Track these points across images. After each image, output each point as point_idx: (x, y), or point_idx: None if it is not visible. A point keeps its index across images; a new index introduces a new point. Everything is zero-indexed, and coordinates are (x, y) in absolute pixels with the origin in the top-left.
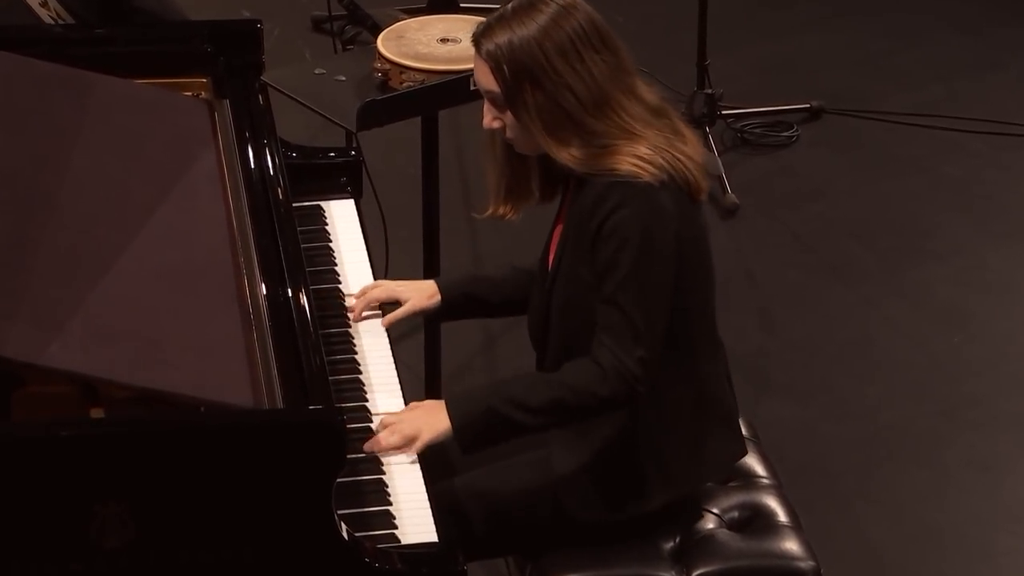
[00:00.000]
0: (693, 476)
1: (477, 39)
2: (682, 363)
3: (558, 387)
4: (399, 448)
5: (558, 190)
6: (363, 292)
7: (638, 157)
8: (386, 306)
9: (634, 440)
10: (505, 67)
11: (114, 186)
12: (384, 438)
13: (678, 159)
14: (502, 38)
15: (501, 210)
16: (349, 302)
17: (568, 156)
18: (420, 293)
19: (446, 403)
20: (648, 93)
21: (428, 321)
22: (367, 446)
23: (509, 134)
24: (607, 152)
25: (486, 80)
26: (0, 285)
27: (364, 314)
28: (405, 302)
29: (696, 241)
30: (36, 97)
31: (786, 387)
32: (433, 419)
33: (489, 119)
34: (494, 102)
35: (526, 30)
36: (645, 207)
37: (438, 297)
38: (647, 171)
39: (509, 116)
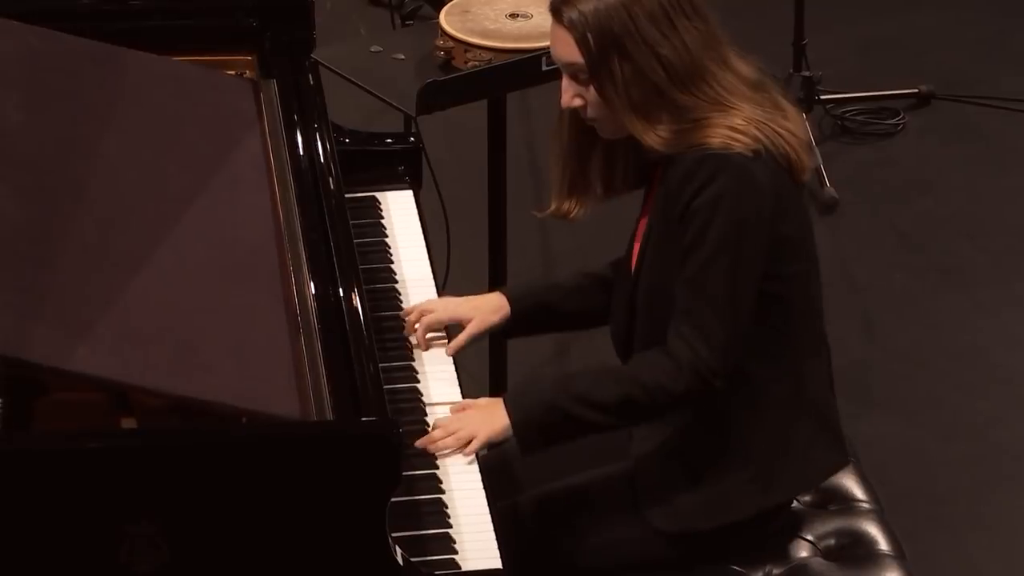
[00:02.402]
0: (788, 483)
1: (557, 6)
2: (780, 357)
3: (627, 382)
4: (453, 448)
5: (621, 185)
6: (420, 313)
7: (731, 128)
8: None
9: (724, 439)
10: (590, 36)
11: (149, 174)
12: (439, 437)
13: (778, 133)
14: (587, 5)
15: (565, 207)
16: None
17: (655, 137)
18: (483, 310)
19: (504, 400)
20: (743, 66)
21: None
22: (420, 443)
23: (591, 113)
24: (698, 126)
25: (567, 52)
26: (23, 283)
27: (427, 336)
28: (467, 323)
29: (798, 223)
30: (64, 75)
31: (889, 402)
32: (490, 417)
33: (569, 96)
34: (575, 77)
35: None
36: (736, 180)
37: (505, 310)
38: (740, 142)
39: (592, 92)
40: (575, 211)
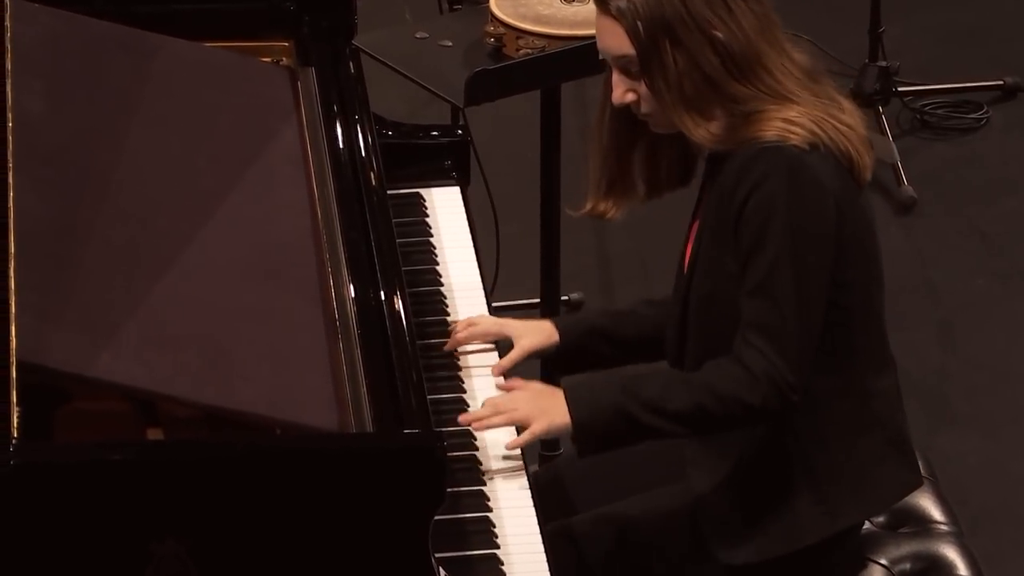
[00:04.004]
0: (855, 506)
1: None
2: (843, 372)
3: (700, 391)
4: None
5: (665, 184)
6: (466, 324)
7: (787, 120)
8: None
9: (786, 461)
10: (640, 24)
11: (178, 167)
12: (486, 414)
13: (838, 129)
14: None
15: (601, 207)
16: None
17: (706, 133)
18: (533, 330)
19: (566, 393)
20: (798, 53)
21: (546, 365)
22: (463, 418)
23: (645, 108)
24: (752, 119)
25: (617, 43)
26: (44, 283)
27: (475, 347)
28: (517, 340)
29: (860, 227)
30: (88, 61)
31: (970, 416)
32: (551, 407)
33: (621, 92)
34: (626, 70)
35: None
36: (794, 176)
37: (554, 339)
38: (797, 134)
39: (644, 87)
40: (612, 211)
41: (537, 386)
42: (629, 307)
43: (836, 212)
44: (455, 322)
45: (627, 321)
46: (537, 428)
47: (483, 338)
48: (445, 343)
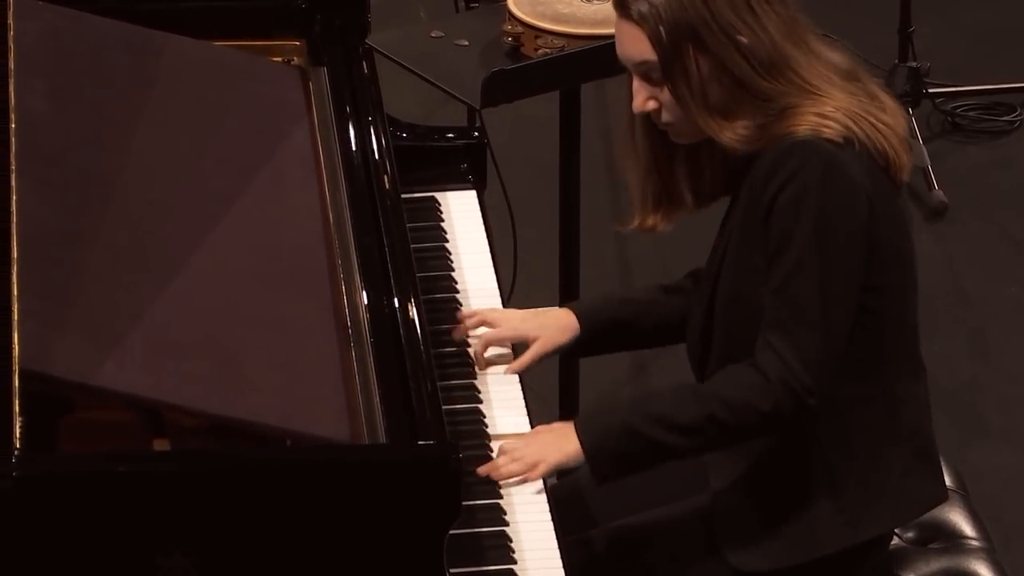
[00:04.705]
0: (878, 517)
1: (622, 0)
2: (872, 379)
3: (711, 401)
4: (519, 475)
5: (712, 191)
6: (479, 321)
7: (821, 115)
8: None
9: (807, 467)
10: (663, 29)
11: (186, 170)
12: (503, 464)
13: (874, 127)
14: None
15: (650, 221)
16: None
17: (733, 135)
18: (551, 328)
19: (575, 423)
20: (833, 54)
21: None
22: (483, 470)
23: (666, 117)
24: (783, 116)
25: (638, 49)
26: (47, 289)
27: (489, 353)
28: (533, 341)
29: (895, 229)
30: (93, 60)
31: (1003, 429)
32: (561, 441)
33: (642, 100)
34: (648, 77)
35: None
36: (828, 172)
37: (574, 329)
38: (831, 128)
39: (667, 93)
40: (661, 224)
41: (555, 426)
42: (648, 295)
43: (868, 211)
44: (468, 312)
45: (647, 311)
46: (551, 461)
47: (499, 342)
48: (461, 352)
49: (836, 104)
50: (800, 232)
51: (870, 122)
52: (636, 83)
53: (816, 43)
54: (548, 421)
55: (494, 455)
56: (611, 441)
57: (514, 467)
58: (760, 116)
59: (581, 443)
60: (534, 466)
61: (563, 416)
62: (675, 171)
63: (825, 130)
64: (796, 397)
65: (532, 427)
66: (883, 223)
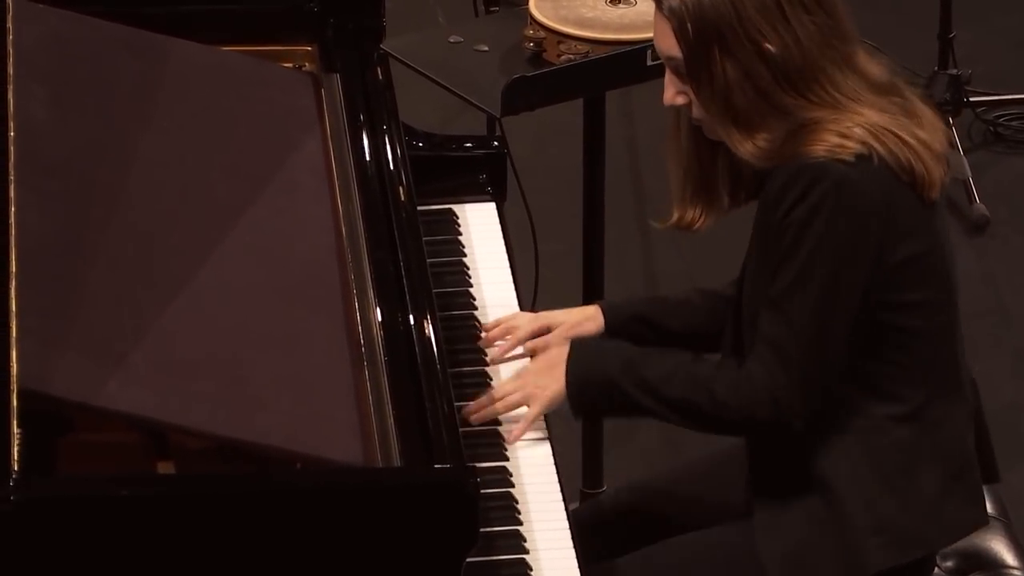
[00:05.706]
0: (918, 538)
1: None
2: (905, 395)
3: (699, 389)
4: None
5: (748, 192)
6: (504, 331)
7: (841, 135)
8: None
9: (837, 484)
10: (690, 26)
11: (193, 180)
12: (486, 403)
13: (903, 142)
14: None
15: (689, 216)
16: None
17: (752, 148)
18: (574, 315)
19: (569, 354)
20: (873, 66)
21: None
22: (466, 410)
23: (695, 112)
24: (803, 132)
25: (667, 43)
26: (47, 305)
27: (508, 355)
28: (555, 327)
29: (927, 245)
30: (97, 66)
31: None
32: (552, 378)
33: (671, 93)
34: (677, 71)
35: None
36: (836, 195)
37: (599, 321)
38: (848, 149)
39: (692, 91)
40: (700, 221)
41: (545, 357)
42: (683, 296)
43: (885, 233)
44: (492, 323)
45: (676, 311)
46: (534, 410)
47: (523, 342)
48: (480, 371)
49: (859, 119)
50: (802, 253)
51: (896, 136)
52: (667, 76)
53: (856, 55)
54: (568, 438)
55: (513, 479)
56: (591, 389)
57: (499, 406)
58: (781, 130)
59: (565, 379)
60: (519, 405)
61: (585, 437)
62: (716, 166)
63: (840, 152)
64: (778, 412)
65: (551, 446)
66: (907, 240)
